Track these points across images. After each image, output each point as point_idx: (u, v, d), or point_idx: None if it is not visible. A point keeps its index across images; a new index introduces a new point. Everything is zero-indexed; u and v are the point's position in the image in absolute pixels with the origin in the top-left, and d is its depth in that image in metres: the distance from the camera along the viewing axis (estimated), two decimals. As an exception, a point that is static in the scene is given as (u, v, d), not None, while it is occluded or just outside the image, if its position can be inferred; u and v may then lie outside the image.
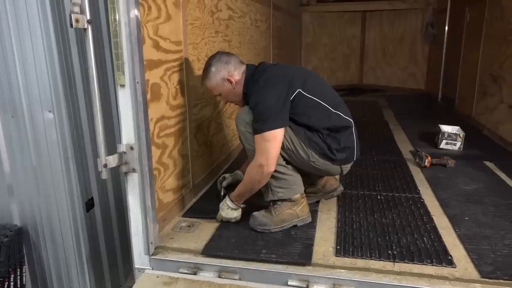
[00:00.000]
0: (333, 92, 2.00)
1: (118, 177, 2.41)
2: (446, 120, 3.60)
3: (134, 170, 1.62)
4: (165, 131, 1.93)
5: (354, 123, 1.98)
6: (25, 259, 2.13)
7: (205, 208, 2.14)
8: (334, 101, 1.94)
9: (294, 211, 1.91)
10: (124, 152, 1.60)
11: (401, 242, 1.77)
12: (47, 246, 2.18)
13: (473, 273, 1.55)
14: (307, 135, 1.82)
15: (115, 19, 1.48)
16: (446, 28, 5.37)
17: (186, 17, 2.10)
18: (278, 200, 1.90)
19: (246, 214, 1.96)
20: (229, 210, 1.93)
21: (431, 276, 1.54)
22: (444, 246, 1.73)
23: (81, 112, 2.13)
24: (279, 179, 1.87)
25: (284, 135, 1.80)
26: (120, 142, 1.61)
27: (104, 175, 1.54)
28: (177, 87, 2.05)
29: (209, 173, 2.55)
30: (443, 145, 3.19)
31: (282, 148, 1.82)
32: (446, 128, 3.24)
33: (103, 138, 1.53)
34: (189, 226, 1.95)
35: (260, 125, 1.76)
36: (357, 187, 2.42)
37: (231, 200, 1.93)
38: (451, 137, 3.18)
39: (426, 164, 2.74)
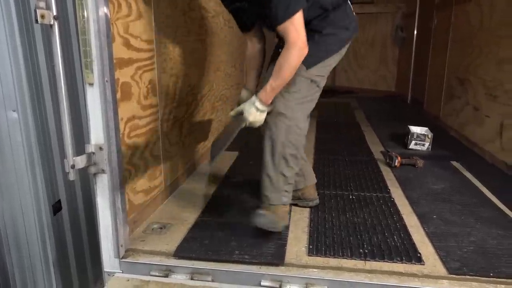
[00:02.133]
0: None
1: (86, 178, 2.34)
2: (415, 121, 3.69)
3: (103, 171, 1.57)
4: (136, 131, 1.89)
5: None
6: (-13, 265, 2.04)
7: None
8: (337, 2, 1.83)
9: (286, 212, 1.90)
10: (93, 153, 1.55)
11: (372, 240, 1.80)
12: (11, 252, 2.09)
13: (441, 270, 1.59)
14: (320, 39, 1.76)
15: (83, 16, 1.44)
16: (415, 31, 5.52)
17: (157, 15, 2.06)
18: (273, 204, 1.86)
19: (222, 215, 1.94)
20: (258, 113, 1.73)
21: (401, 274, 1.57)
22: (413, 244, 1.77)
23: (48, 111, 2.06)
24: (289, 184, 1.86)
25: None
26: (88, 142, 1.56)
27: (72, 176, 1.49)
28: (149, 86, 2.01)
29: (182, 174, 2.51)
30: (412, 145, 3.28)
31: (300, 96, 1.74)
32: (415, 129, 3.33)
33: (71, 138, 1.48)
34: (161, 228, 1.92)
35: (285, 11, 1.61)
36: (330, 187, 2.45)
37: (261, 101, 1.71)
38: (420, 138, 3.26)
39: (396, 164, 2.81)
